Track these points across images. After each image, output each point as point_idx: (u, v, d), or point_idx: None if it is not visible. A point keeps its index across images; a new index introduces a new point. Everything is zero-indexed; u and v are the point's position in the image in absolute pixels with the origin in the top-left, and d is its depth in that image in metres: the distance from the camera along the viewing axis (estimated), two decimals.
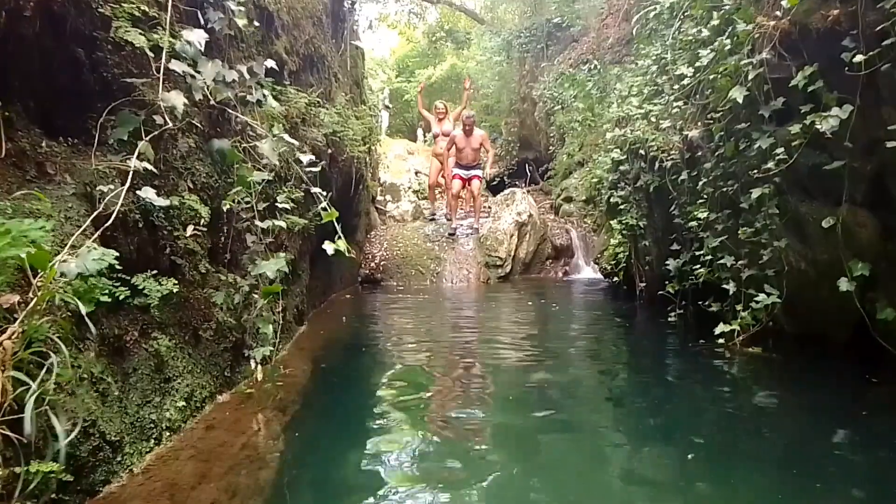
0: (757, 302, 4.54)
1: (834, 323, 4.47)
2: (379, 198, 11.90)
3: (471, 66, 19.96)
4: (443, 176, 11.24)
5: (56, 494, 1.72)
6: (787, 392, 3.98)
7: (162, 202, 2.41)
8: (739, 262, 4.79)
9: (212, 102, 3.01)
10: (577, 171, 12.20)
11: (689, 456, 2.88)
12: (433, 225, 10.85)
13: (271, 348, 3.80)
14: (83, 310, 1.78)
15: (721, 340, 4.73)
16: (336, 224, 3.35)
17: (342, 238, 3.26)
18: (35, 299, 1.60)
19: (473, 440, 3.06)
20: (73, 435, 1.78)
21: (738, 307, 4.73)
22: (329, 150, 5.65)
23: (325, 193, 5.44)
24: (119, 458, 2.29)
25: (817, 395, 3.80)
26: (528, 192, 13.76)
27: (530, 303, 7.79)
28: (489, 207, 11.53)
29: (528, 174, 16.57)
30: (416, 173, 15.32)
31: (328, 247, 3.20)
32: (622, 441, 3.20)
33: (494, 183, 16.50)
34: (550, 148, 14.79)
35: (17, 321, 1.61)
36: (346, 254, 3.32)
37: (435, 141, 10.96)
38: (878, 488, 2.52)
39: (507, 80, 17.12)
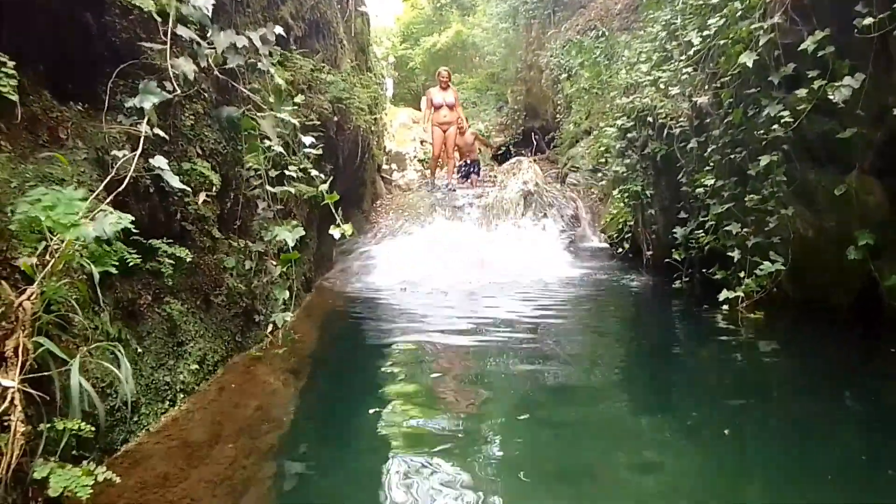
0: (762, 269, 4.56)
1: (838, 289, 4.48)
2: (384, 167, 11.87)
3: (476, 34, 19.71)
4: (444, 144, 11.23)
5: (77, 451, 1.77)
6: (789, 354, 4.04)
7: (176, 183, 2.44)
8: (745, 230, 4.79)
9: (221, 69, 3.01)
10: (583, 140, 12.12)
11: (693, 415, 2.94)
12: (439, 194, 10.86)
13: (290, 314, 3.86)
14: (96, 274, 1.81)
15: (725, 307, 4.76)
16: (334, 210, 3.42)
17: (343, 222, 3.33)
18: (52, 261, 1.63)
19: (478, 402, 3.11)
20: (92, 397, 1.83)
21: (742, 274, 4.75)
22: (335, 118, 5.63)
23: (328, 168, 5.48)
24: (136, 419, 2.35)
25: (818, 358, 3.84)
26: (535, 161, 13.71)
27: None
28: (494, 176, 11.54)
29: (535, 143, 16.44)
30: (422, 142, 15.26)
31: (334, 231, 3.27)
32: (626, 400, 3.27)
33: (500, 152, 16.41)
34: (557, 116, 14.65)
35: (36, 283, 1.64)
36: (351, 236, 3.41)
37: (437, 110, 10.89)
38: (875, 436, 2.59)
39: (514, 48, 16.91)
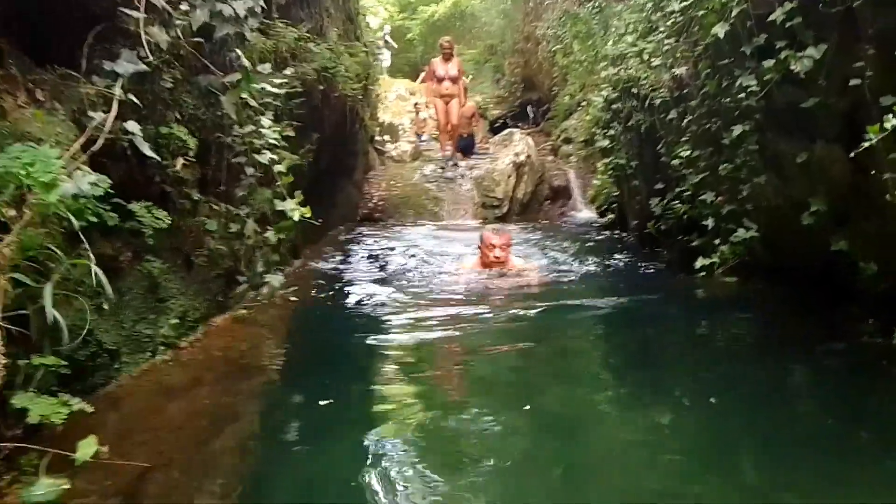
0: (735, 237, 4.70)
1: (807, 256, 4.62)
2: (378, 138, 11.94)
3: (475, 4, 19.59)
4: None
5: (57, 387, 1.93)
6: (758, 317, 4.20)
7: (147, 150, 2.57)
8: (719, 199, 4.93)
9: (200, 36, 3.12)
10: (576, 113, 12.19)
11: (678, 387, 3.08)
12: (431, 166, 10.93)
13: (281, 277, 4.01)
14: (76, 225, 1.95)
15: (702, 273, 4.92)
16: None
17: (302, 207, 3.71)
18: (30, 213, 1.77)
19: (462, 361, 3.25)
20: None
21: (717, 241, 4.90)
22: (321, 87, 5.72)
23: (314, 137, 5.57)
24: (116, 365, 2.52)
25: (783, 320, 4.00)
26: (529, 133, 13.77)
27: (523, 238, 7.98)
28: (487, 148, 11.62)
29: (531, 116, 16.48)
30: (416, 105, 15.21)
31: (294, 213, 3.45)
32: (603, 362, 3.43)
33: (497, 125, 16.45)
34: (553, 89, 14.69)
35: (13, 231, 1.78)
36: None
37: (439, 83, 10.72)
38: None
39: (512, 19, 16.83)
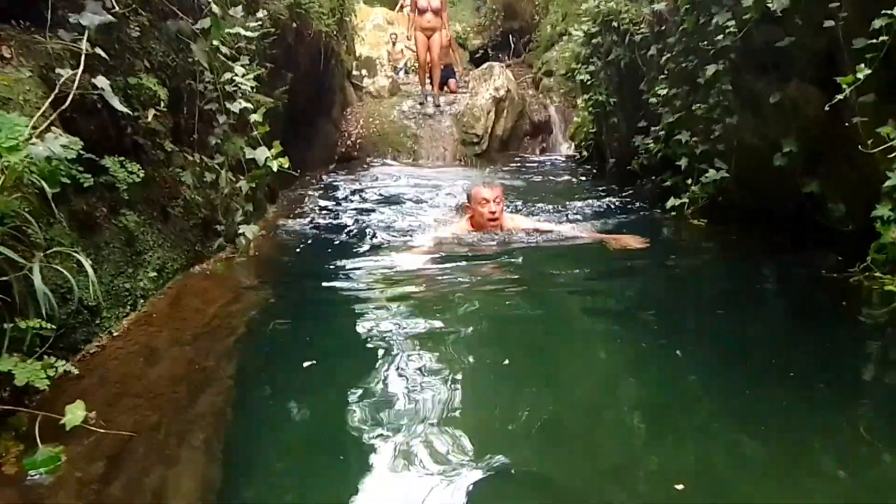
0: (707, 177, 4.76)
1: (779, 197, 4.71)
2: (355, 72, 11.70)
3: None
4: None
5: (42, 349, 1.98)
6: (725, 261, 4.30)
7: (118, 104, 2.52)
8: (694, 139, 4.96)
9: None
10: (558, 43, 11.96)
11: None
12: (410, 101, 10.76)
13: (256, 227, 4.01)
14: (49, 192, 1.95)
15: (673, 213, 5.01)
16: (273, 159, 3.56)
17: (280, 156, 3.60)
18: (3, 177, 1.77)
19: (438, 307, 3.30)
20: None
21: (689, 181, 4.97)
22: (294, 25, 5.57)
23: (288, 76, 5.45)
24: (98, 321, 2.56)
25: (751, 263, 4.10)
26: (510, 65, 13.55)
27: (500, 174, 8.00)
28: (466, 82, 11.44)
29: (512, 45, 16.13)
30: (391, 36, 14.87)
31: (273, 163, 3.42)
32: (564, 310, 3.51)
33: (478, 55, 16.10)
34: (535, 17, 14.34)
35: None
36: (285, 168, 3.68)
37: (421, 15, 10.36)
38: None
39: None
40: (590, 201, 5.95)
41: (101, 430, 1.83)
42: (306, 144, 7.50)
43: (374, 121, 10.16)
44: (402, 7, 17.70)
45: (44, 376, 1.73)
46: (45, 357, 1.86)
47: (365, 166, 9.12)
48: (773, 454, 1.95)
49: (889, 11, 2.84)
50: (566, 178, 7.98)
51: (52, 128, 2.09)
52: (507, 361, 2.61)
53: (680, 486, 1.71)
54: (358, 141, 9.83)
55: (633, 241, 4.23)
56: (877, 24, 2.93)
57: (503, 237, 4.50)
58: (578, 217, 5.42)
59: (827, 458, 1.98)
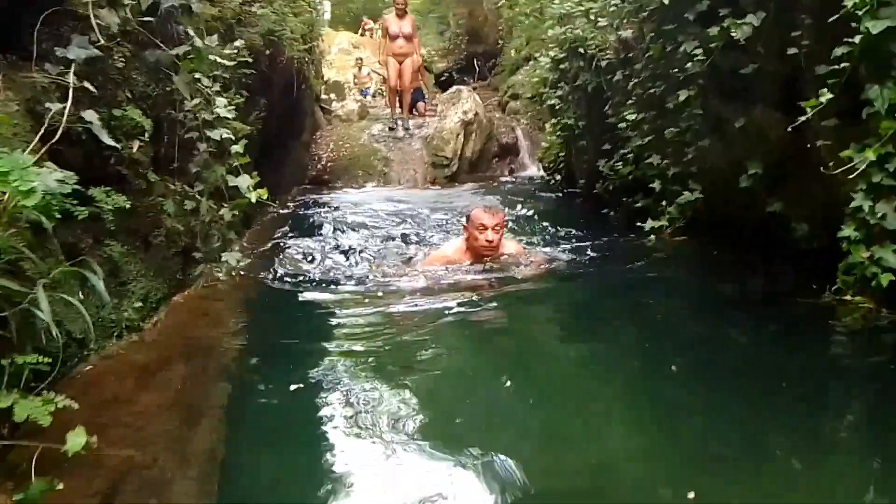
0: (681, 199, 4.91)
1: (748, 217, 4.88)
2: (323, 96, 11.74)
3: None
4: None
5: (34, 383, 1.95)
6: (697, 279, 4.44)
7: (106, 138, 2.53)
8: (665, 161, 5.12)
9: (147, 14, 3.03)
10: (523, 68, 12.21)
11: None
12: (379, 125, 10.84)
13: (239, 255, 3.99)
14: (48, 226, 1.94)
15: (652, 236, 5.14)
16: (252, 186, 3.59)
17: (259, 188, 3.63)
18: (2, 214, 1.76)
19: (419, 322, 3.34)
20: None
21: (664, 203, 5.11)
22: (268, 52, 5.60)
23: (262, 102, 5.47)
24: (85, 353, 2.53)
25: (723, 280, 4.25)
26: (476, 88, 13.75)
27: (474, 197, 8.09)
28: (435, 105, 11.59)
29: (477, 69, 16.39)
30: (357, 60, 14.99)
31: (251, 195, 3.43)
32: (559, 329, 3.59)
33: (443, 78, 16.32)
34: (499, 42, 14.61)
35: None
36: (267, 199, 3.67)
37: (392, 41, 10.54)
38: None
39: None
40: (564, 228, 5.98)
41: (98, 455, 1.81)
42: (279, 168, 7.49)
43: (345, 144, 10.20)
44: (363, 31, 17.85)
45: (46, 413, 1.71)
46: (45, 392, 1.84)
47: (336, 189, 9.13)
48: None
49: (850, 40, 3.00)
50: (537, 199, 8.09)
51: (46, 163, 2.08)
52: (507, 383, 2.63)
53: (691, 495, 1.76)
54: (328, 164, 9.84)
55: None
56: (838, 51, 3.09)
57: (492, 273, 4.22)
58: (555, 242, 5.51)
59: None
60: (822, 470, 2.01)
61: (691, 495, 1.75)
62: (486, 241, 4.18)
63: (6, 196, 1.85)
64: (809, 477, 1.96)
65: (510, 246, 4.52)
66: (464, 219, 4.51)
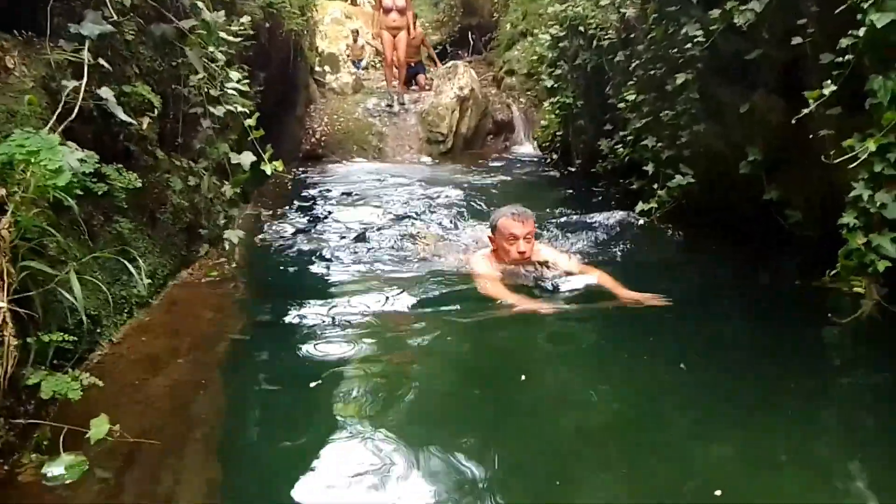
0: (673, 182, 4.96)
1: (745, 202, 4.94)
2: (317, 69, 11.61)
3: None
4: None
5: (56, 360, 1.99)
6: (690, 268, 4.50)
7: (122, 114, 2.52)
8: (660, 144, 5.15)
9: None
10: (520, 43, 12.10)
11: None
12: (374, 99, 10.75)
13: (241, 232, 4.00)
14: (71, 203, 1.96)
15: (642, 219, 5.19)
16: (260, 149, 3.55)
17: (272, 160, 3.69)
18: (25, 194, 1.77)
19: (415, 312, 3.37)
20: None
21: (656, 186, 5.16)
22: (267, 24, 5.55)
23: (261, 76, 5.42)
24: (99, 330, 2.57)
25: (715, 268, 4.32)
26: (470, 63, 13.64)
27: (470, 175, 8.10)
28: (431, 79, 11.50)
29: (472, 43, 16.20)
30: (353, 31, 14.82)
31: (267, 167, 3.42)
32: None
33: (437, 51, 16.14)
34: (494, 15, 14.45)
35: (9, 212, 1.79)
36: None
37: (386, 14, 10.42)
38: None
39: None
40: (561, 209, 5.97)
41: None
42: (275, 143, 7.42)
43: (339, 118, 10.12)
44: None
45: (77, 388, 1.75)
46: (70, 370, 1.87)
47: (332, 163, 9.10)
48: None
49: (854, 32, 3.03)
50: (534, 178, 8.12)
51: (67, 142, 2.09)
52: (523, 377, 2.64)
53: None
54: (323, 138, 9.78)
55: (653, 300, 3.50)
56: (843, 42, 3.12)
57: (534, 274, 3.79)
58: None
59: None
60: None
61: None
62: (519, 252, 3.68)
63: (27, 175, 1.87)
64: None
65: (545, 252, 3.97)
66: (489, 229, 3.93)
